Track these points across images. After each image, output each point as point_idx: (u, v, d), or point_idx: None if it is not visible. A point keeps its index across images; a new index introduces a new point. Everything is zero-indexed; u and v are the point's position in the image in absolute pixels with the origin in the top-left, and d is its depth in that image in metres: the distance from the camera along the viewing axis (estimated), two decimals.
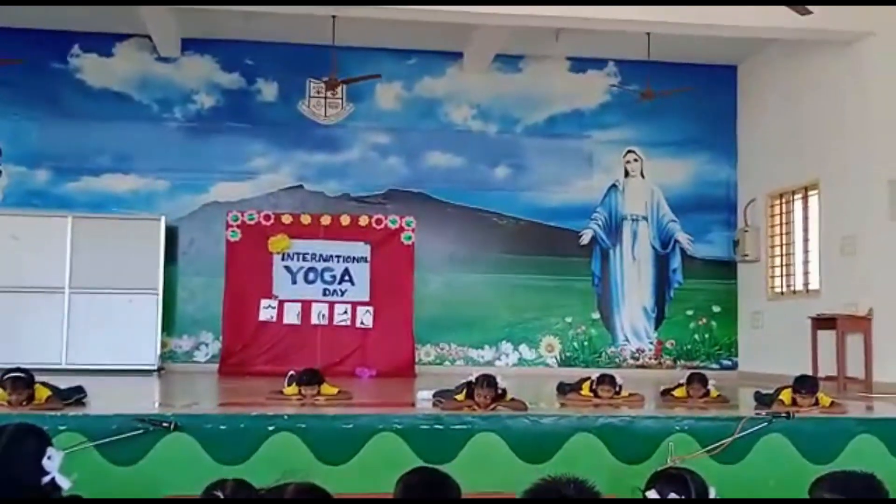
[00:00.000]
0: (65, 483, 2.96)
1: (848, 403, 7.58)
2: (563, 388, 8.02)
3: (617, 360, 13.14)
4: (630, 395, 7.47)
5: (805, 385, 6.86)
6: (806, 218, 12.16)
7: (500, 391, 6.37)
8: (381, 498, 3.91)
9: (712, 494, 2.87)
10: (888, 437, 6.14)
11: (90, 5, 10.98)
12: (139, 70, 12.84)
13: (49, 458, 2.95)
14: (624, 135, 13.56)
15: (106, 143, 12.65)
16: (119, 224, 12.09)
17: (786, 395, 6.82)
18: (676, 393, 7.70)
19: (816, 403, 6.73)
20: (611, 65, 13.59)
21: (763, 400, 7.20)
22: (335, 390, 7.05)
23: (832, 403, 6.88)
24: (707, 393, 7.50)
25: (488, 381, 6.36)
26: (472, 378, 6.53)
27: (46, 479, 2.93)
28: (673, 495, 2.79)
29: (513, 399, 6.44)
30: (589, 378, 7.70)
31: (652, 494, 2.83)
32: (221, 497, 2.55)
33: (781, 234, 12.69)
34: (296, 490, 1.86)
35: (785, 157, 12.43)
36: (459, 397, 6.47)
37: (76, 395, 6.36)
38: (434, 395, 6.90)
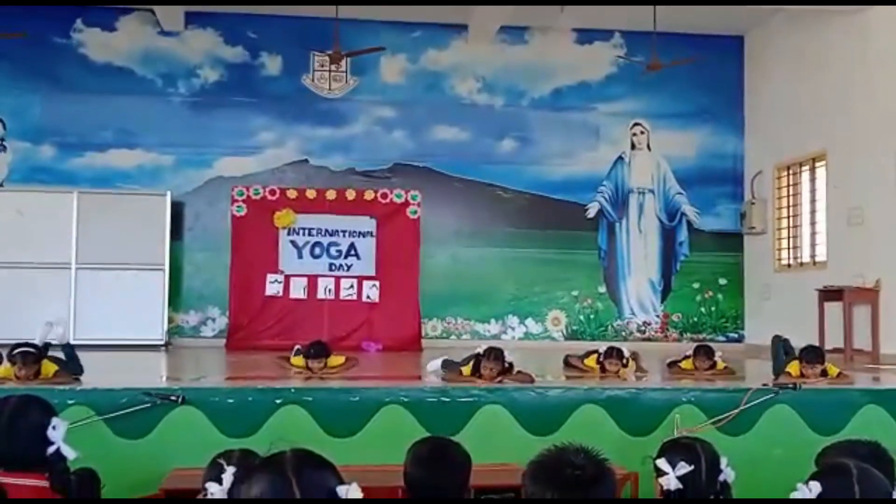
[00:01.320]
0: (70, 453, 2.97)
1: (855, 375, 7.57)
2: (570, 361, 8.02)
3: (623, 333, 13.15)
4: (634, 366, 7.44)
5: (811, 356, 6.84)
6: (813, 189, 12.11)
7: (506, 365, 6.37)
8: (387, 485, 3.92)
9: (724, 464, 2.88)
10: (895, 408, 6.14)
11: None
12: (142, 44, 12.78)
13: (54, 428, 2.97)
14: (630, 107, 13.49)
15: (110, 119, 12.63)
16: (124, 199, 12.10)
17: (793, 367, 6.81)
18: (683, 365, 7.70)
19: (824, 374, 6.72)
20: (617, 36, 13.49)
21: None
22: (342, 359, 7.07)
23: (840, 374, 6.88)
24: (713, 365, 7.50)
25: (495, 354, 6.37)
26: (480, 351, 6.53)
27: (51, 449, 2.95)
28: (683, 464, 2.80)
29: (519, 372, 6.44)
30: (596, 351, 7.70)
31: (662, 463, 2.84)
32: (233, 466, 2.57)
33: (788, 205, 12.64)
34: (294, 454, 1.86)
35: (792, 128, 12.36)
36: (466, 370, 6.47)
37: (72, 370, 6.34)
38: (442, 364, 6.91)
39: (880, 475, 2.45)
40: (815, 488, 2.38)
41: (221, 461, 2.87)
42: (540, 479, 2.22)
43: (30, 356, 5.99)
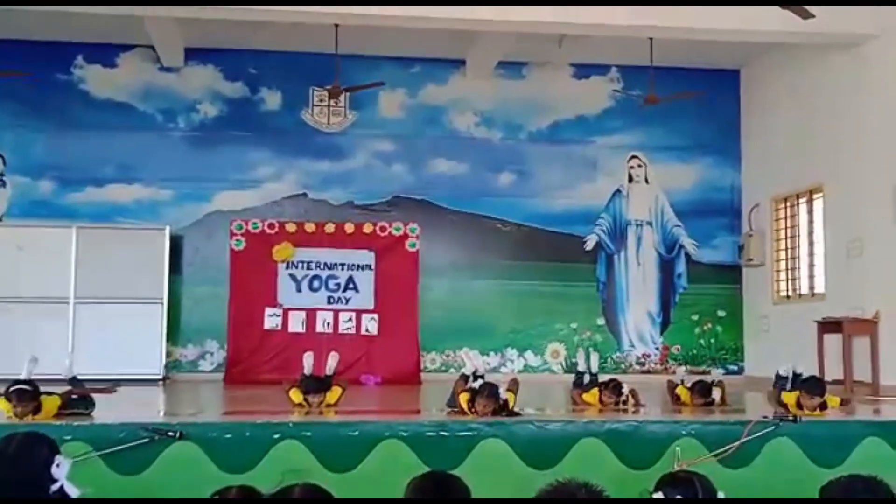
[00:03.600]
0: (73, 491, 2.96)
1: (855, 406, 7.55)
2: (573, 395, 8.02)
3: (623, 365, 13.11)
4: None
5: (811, 386, 6.79)
6: (811, 221, 12.14)
7: (501, 402, 6.31)
8: None
9: (720, 498, 2.86)
10: None
11: (93, 5, 10.97)
12: (143, 80, 12.87)
13: (58, 465, 2.95)
14: (628, 140, 13.56)
15: (110, 154, 12.68)
16: (123, 234, 12.12)
17: (789, 397, 6.76)
18: (681, 394, 7.68)
19: (823, 407, 6.67)
20: (614, 70, 13.59)
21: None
22: (339, 391, 7.04)
23: (842, 401, 6.82)
24: (710, 403, 7.46)
25: (489, 391, 6.31)
26: (475, 386, 6.50)
27: (55, 486, 2.93)
28: (679, 498, 2.78)
29: (515, 413, 6.34)
30: (596, 383, 7.69)
31: (659, 497, 2.82)
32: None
33: (786, 237, 12.67)
34: (301, 493, 1.85)
35: (789, 160, 12.42)
36: (464, 399, 6.42)
37: (82, 406, 6.33)
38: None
39: None
40: None
41: (217, 497, 2.84)
42: None
43: (25, 394, 5.95)
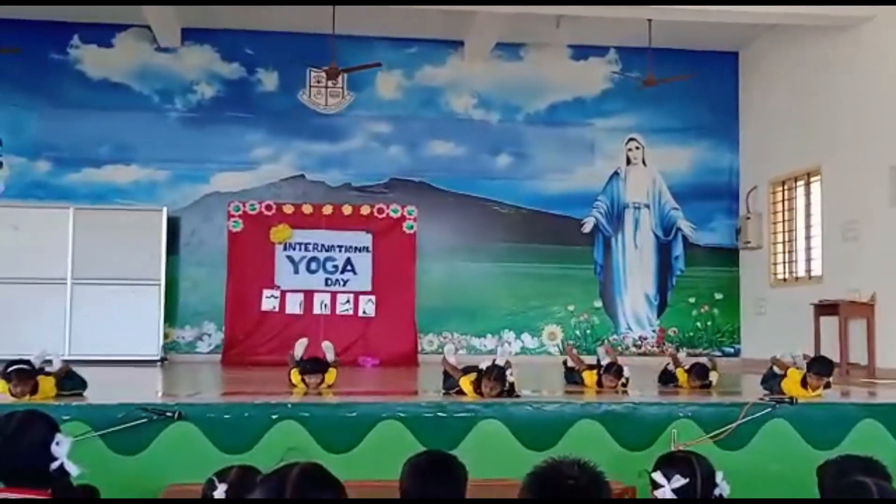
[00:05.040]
0: (73, 469, 2.97)
1: (851, 389, 7.57)
2: (568, 364, 8.04)
3: (619, 348, 13.12)
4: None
5: (821, 368, 6.70)
6: (808, 204, 12.15)
7: (507, 386, 6.30)
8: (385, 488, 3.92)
9: (719, 478, 2.89)
10: (891, 422, 6.13)
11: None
12: (139, 61, 12.82)
13: (57, 444, 2.97)
14: (625, 122, 13.54)
15: (107, 134, 12.65)
16: (121, 215, 12.10)
17: (794, 375, 6.73)
18: (679, 376, 7.69)
19: (828, 385, 6.61)
20: (612, 52, 13.56)
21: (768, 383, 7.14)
22: (333, 370, 7.03)
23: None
24: (707, 385, 7.47)
25: (497, 373, 6.30)
26: (483, 367, 6.48)
27: (55, 464, 2.94)
28: (678, 477, 2.81)
29: (518, 397, 6.34)
30: (596, 366, 7.69)
31: (658, 477, 2.85)
32: (225, 483, 2.57)
33: (784, 220, 12.68)
34: (300, 472, 1.86)
35: (786, 143, 12.41)
36: (466, 383, 6.42)
37: (79, 386, 6.34)
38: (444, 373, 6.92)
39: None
40: None
41: (214, 478, 2.86)
42: (536, 490, 2.23)
43: (24, 373, 5.95)
